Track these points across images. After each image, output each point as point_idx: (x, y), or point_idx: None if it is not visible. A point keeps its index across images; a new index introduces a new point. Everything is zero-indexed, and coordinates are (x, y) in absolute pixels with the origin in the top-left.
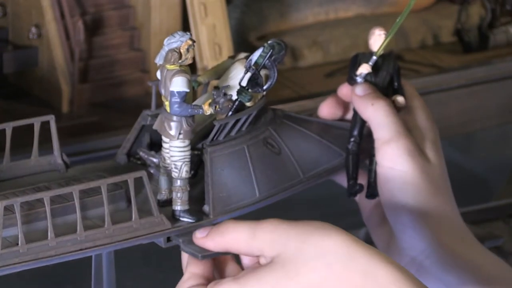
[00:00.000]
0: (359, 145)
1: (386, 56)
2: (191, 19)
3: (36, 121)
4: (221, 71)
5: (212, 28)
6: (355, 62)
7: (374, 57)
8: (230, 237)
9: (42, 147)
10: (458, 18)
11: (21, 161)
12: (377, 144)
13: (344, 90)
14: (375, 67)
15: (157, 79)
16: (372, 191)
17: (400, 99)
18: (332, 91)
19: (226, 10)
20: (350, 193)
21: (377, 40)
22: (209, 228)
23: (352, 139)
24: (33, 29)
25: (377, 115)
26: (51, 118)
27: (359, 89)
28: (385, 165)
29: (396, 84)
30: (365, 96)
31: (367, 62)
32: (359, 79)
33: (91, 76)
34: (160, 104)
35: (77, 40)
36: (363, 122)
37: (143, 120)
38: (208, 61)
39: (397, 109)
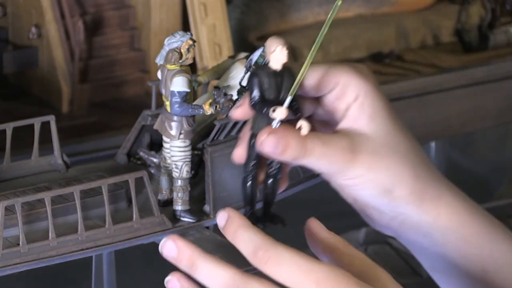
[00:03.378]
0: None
1: (285, 70)
2: (191, 19)
3: (36, 122)
4: (221, 71)
5: (212, 28)
6: (257, 80)
7: (289, 97)
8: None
9: (42, 147)
10: (458, 18)
11: (21, 161)
12: None
13: (239, 114)
14: (272, 83)
15: (157, 79)
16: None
17: (304, 125)
18: None
19: (226, 10)
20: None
21: (279, 56)
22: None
23: (249, 175)
24: (33, 29)
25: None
26: (51, 119)
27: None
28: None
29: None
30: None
31: (268, 77)
32: (274, 124)
33: (91, 76)
34: (160, 104)
35: (77, 40)
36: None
37: (143, 120)
38: (208, 61)
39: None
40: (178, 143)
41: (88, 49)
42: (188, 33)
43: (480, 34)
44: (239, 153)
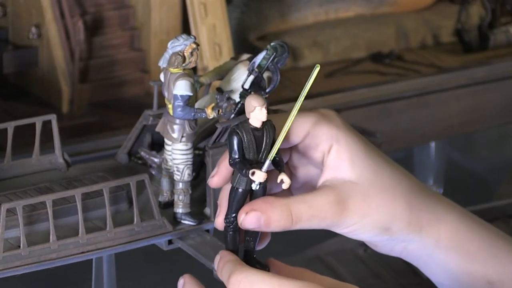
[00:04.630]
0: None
1: (266, 122)
2: (191, 19)
3: (38, 121)
4: (223, 72)
5: (212, 28)
6: (238, 140)
7: (268, 161)
8: None
9: (43, 147)
10: (458, 18)
11: (22, 160)
12: None
13: (216, 183)
14: (252, 139)
15: (159, 79)
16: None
17: (285, 179)
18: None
19: (226, 10)
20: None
21: (258, 116)
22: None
23: (230, 226)
24: (33, 29)
25: None
26: (52, 118)
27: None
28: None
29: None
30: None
31: (248, 134)
32: (254, 186)
33: (91, 76)
34: (161, 104)
35: (77, 40)
36: (244, 198)
37: (144, 120)
38: (208, 61)
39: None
40: (180, 146)
41: (88, 49)
42: (192, 36)
43: (480, 34)
44: (221, 221)
